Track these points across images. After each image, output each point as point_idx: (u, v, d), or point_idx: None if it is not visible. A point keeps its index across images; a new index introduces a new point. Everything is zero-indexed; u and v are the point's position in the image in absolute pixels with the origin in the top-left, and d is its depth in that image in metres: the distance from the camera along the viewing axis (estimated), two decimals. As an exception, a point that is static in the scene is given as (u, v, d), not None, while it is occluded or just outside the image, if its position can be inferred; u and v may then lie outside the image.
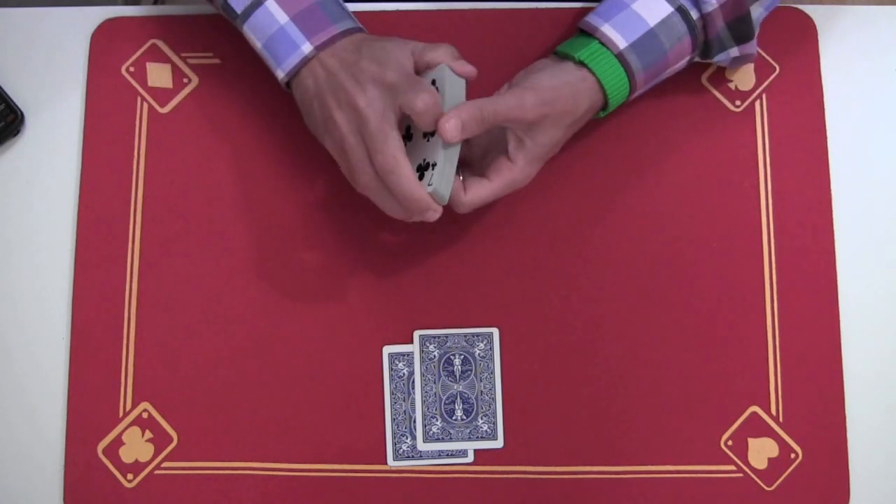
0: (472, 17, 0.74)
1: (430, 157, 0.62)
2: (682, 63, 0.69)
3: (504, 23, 0.74)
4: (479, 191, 0.64)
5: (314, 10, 0.64)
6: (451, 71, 0.63)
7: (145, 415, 0.70)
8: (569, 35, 0.72)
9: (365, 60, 0.62)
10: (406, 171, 0.60)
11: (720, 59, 0.69)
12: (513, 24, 0.74)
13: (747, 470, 0.69)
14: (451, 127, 0.60)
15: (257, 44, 0.66)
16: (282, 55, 0.65)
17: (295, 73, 0.65)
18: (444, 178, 0.61)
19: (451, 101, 0.62)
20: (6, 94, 0.73)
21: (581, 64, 0.65)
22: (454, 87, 0.63)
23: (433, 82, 0.63)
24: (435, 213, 0.62)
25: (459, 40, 0.74)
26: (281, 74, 0.65)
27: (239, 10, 0.65)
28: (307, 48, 0.64)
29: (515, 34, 0.74)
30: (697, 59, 0.69)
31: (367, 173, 0.62)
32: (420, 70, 0.65)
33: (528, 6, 0.75)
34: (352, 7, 0.74)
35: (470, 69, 0.64)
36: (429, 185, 0.61)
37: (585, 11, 0.74)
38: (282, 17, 0.64)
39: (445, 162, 0.61)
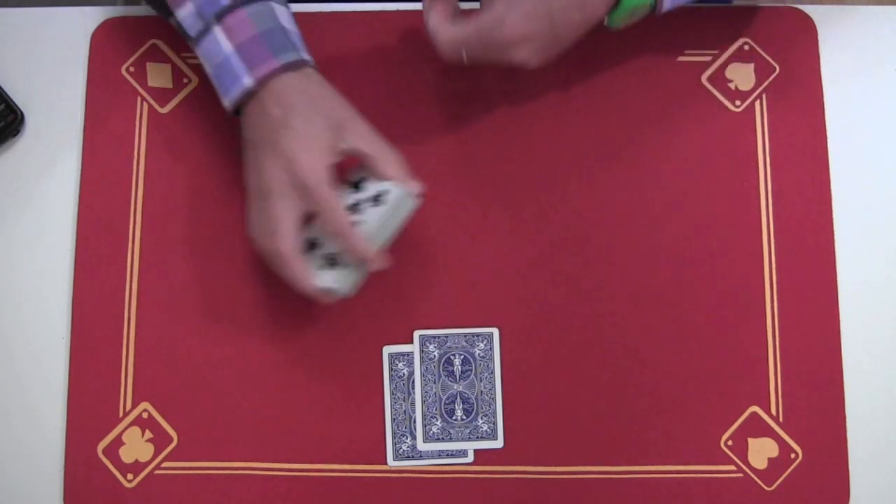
0: (472, 17, 0.74)
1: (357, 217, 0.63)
2: None
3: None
4: (456, 29, 0.63)
5: (257, 41, 0.63)
6: (405, 194, 0.63)
7: (145, 415, 0.70)
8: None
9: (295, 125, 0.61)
10: (303, 272, 0.62)
11: None
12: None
13: (747, 470, 0.69)
14: (378, 261, 0.62)
15: (208, 70, 0.65)
16: (227, 85, 0.64)
17: (240, 106, 0.64)
18: (347, 279, 0.63)
19: (390, 223, 0.63)
20: (6, 94, 0.73)
21: None
22: (400, 211, 0.63)
23: (376, 197, 0.63)
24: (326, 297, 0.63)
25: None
26: (227, 103, 0.65)
27: (192, 33, 0.65)
28: (248, 81, 0.63)
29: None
30: None
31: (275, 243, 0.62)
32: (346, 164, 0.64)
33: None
34: (353, 7, 0.75)
35: (419, 190, 0.64)
36: (335, 283, 0.63)
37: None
38: (227, 47, 0.63)
39: (356, 270, 0.63)
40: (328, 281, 0.63)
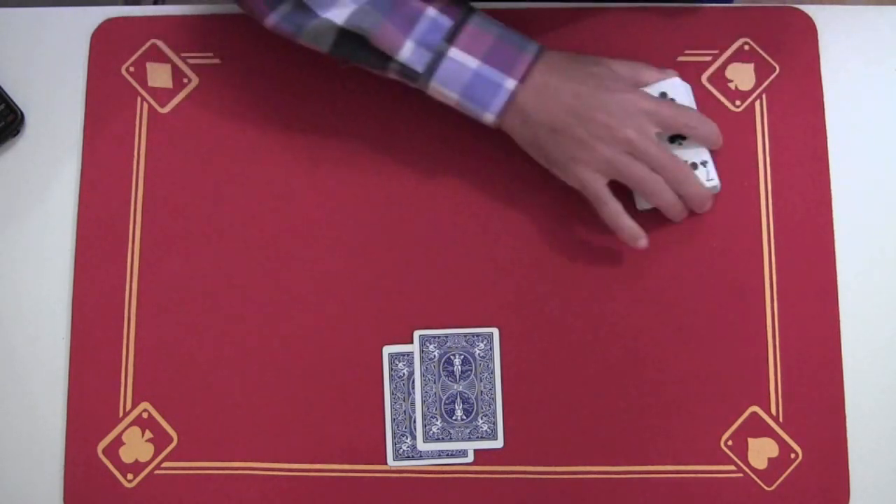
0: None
1: (692, 158, 0.68)
2: None
3: (504, 23, 0.74)
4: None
5: (500, 46, 0.64)
6: (679, 80, 0.69)
7: (145, 415, 0.70)
8: (568, 35, 0.72)
9: (602, 90, 0.65)
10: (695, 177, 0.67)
11: None
12: (512, 24, 0.74)
13: (747, 470, 0.69)
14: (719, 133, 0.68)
15: (453, 96, 0.65)
16: (486, 99, 0.64)
17: (505, 112, 0.65)
18: (715, 171, 0.69)
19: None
20: (6, 94, 0.73)
21: None
22: (685, 97, 0.69)
23: (663, 94, 0.68)
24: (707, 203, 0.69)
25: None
26: (490, 118, 0.65)
27: (420, 68, 0.64)
28: (511, 84, 0.64)
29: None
30: None
31: (665, 188, 0.66)
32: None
33: (529, 6, 0.75)
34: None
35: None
36: (708, 180, 0.68)
37: (585, 11, 0.74)
38: (472, 63, 0.64)
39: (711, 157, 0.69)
40: (713, 179, 0.69)
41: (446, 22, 0.64)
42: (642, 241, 0.67)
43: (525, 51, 0.65)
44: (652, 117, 0.65)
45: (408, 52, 0.64)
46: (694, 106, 0.71)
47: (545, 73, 0.65)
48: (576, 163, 0.65)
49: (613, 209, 0.66)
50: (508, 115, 0.65)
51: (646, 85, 0.68)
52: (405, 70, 0.64)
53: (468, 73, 0.64)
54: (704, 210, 0.69)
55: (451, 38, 0.64)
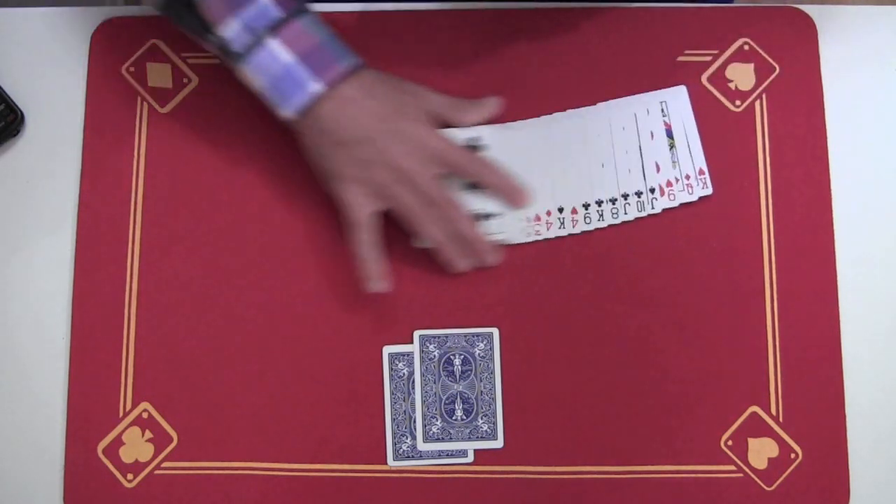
0: (472, 17, 0.74)
1: (486, 207, 0.69)
2: None
3: (504, 23, 0.74)
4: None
5: (319, 49, 0.65)
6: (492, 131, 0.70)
7: (145, 415, 0.70)
8: (568, 35, 0.72)
9: (398, 116, 0.66)
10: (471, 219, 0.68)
11: None
12: (513, 24, 0.74)
13: (747, 470, 0.69)
14: (526, 197, 0.70)
15: (260, 82, 0.65)
16: (289, 94, 0.65)
17: (304, 114, 0.65)
18: (510, 225, 0.70)
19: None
20: (6, 94, 0.73)
21: None
22: (682, 103, 0.71)
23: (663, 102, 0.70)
24: (496, 257, 0.69)
25: (458, 40, 0.74)
26: (288, 112, 0.65)
27: (238, 48, 0.65)
28: (317, 87, 0.64)
29: (515, 34, 0.74)
30: None
31: (434, 224, 0.67)
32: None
33: (529, 6, 0.75)
34: (353, 7, 0.75)
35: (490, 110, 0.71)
36: (499, 232, 0.70)
37: (585, 11, 0.74)
38: (286, 57, 0.64)
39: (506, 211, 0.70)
40: (505, 231, 0.70)
41: (276, 13, 0.64)
42: (376, 284, 0.68)
43: (341, 62, 0.65)
44: (438, 156, 0.67)
45: (230, 30, 0.64)
46: (690, 113, 0.71)
47: (354, 87, 0.65)
48: (350, 181, 0.67)
49: (364, 239, 0.67)
50: (304, 118, 0.66)
51: (459, 124, 0.69)
52: (223, 45, 0.65)
53: (280, 67, 0.64)
54: (487, 263, 0.69)
55: (275, 28, 0.64)
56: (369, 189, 0.66)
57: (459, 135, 0.70)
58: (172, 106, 0.74)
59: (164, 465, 0.69)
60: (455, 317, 0.70)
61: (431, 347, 0.70)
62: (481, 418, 0.69)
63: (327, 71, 0.65)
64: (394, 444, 0.69)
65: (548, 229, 0.71)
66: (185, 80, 0.74)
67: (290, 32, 0.64)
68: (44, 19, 0.75)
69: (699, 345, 0.70)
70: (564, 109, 0.72)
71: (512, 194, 0.69)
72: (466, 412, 0.69)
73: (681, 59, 0.74)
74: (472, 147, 0.70)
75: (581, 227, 0.71)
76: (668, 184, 0.71)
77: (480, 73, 0.73)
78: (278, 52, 0.64)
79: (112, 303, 0.71)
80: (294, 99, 0.65)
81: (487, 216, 0.69)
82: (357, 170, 0.66)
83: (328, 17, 0.73)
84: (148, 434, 0.70)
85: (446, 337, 0.70)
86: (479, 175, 0.68)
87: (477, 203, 0.69)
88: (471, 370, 0.70)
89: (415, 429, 0.69)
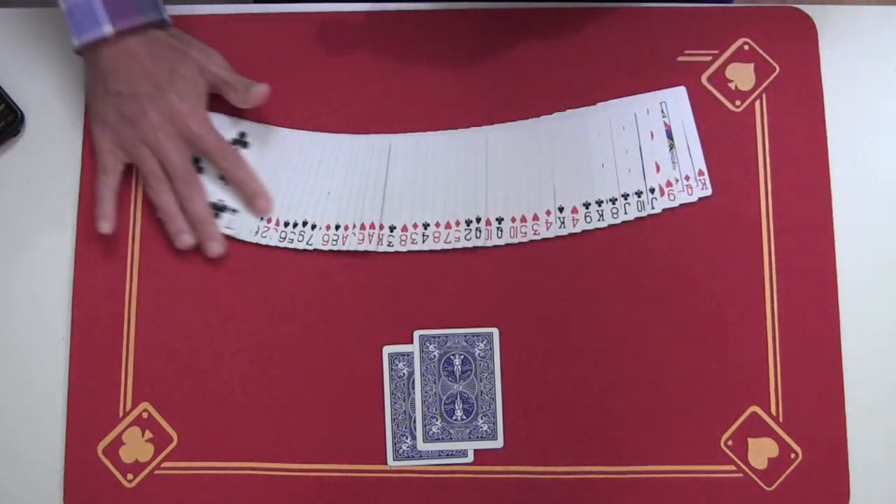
0: (473, 17, 0.74)
1: (225, 200, 0.71)
2: None
3: (503, 23, 0.74)
4: None
5: None
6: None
7: (145, 415, 0.70)
8: (568, 35, 0.72)
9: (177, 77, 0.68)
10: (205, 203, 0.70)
11: None
12: (513, 24, 0.74)
13: (747, 470, 0.69)
14: (266, 206, 0.71)
15: (62, 6, 0.67)
16: (81, 28, 0.66)
17: (89, 49, 0.67)
18: (242, 223, 0.71)
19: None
20: (6, 94, 0.73)
21: None
22: (682, 103, 0.71)
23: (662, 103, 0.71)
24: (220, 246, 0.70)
25: (459, 40, 0.74)
26: (74, 42, 0.67)
27: None
28: (108, 30, 0.66)
29: (516, 34, 0.74)
30: None
31: (166, 191, 0.70)
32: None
33: (529, 6, 0.75)
34: (353, 7, 0.75)
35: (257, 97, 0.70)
36: (228, 228, 0.71)
37: (585, 11, 0.74)
38: None
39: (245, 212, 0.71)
40: (234, 228, 0.71)
41: None
42: (103, 224, 0.69)
43: (142, 13, 0.67)
44: (192, 138, 0.69)
45: None
46: (690, 113, 0.71)
47: (141, 43, 0.67)
48: (105, 128, 0.69)
49: (103, 180, 0.70)
50: (91, 54, 0.68)
51: (231, 101, 0.71)
52: None
53: None
54: (209, 251, 0.70)
55: None
56: (119, 142, 0.69)
57: (228, 128, 0.72)
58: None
59: (164, 465, 0.69)
60: (455, 317, 0.70)
61: (431, 347, 0.70)
62: (481, 418, 0.69)
63: (123, 19, 0.66)
64: (394, 444, 0.69)
65: (548, 229, 0.71)
66: (185, 80, 0.74)
67: None
68: (44, 19, 0.75)
69: (699, 345, 0.70)
70: (564, 109, 0.73)
71: (253, 198, 0.71)
72: (466, 412, 0.69)
73: (681, 59, 0.74)
74: (238, 141, 0.72)
75: (581, 227, 0.71)
76: (668, 184, 0.71)
77: (481, 73, 0.73)
78: None
79: (112, 303, 0.71)
80: (84, 33, 0.67)
81: (224, 208, 0.71)
82: (115, 120, 0.69)
83: (334, 18, 0.74)
84: (148, 434, 0.69)
85: (446, 337, 0.70)
86: (227, 169, 0.70)
87: (217, 193, 0.71)
88: (471, 370, 0.70)
89: (415, 429, 0.69)
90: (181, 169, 0.69)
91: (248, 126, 0.72)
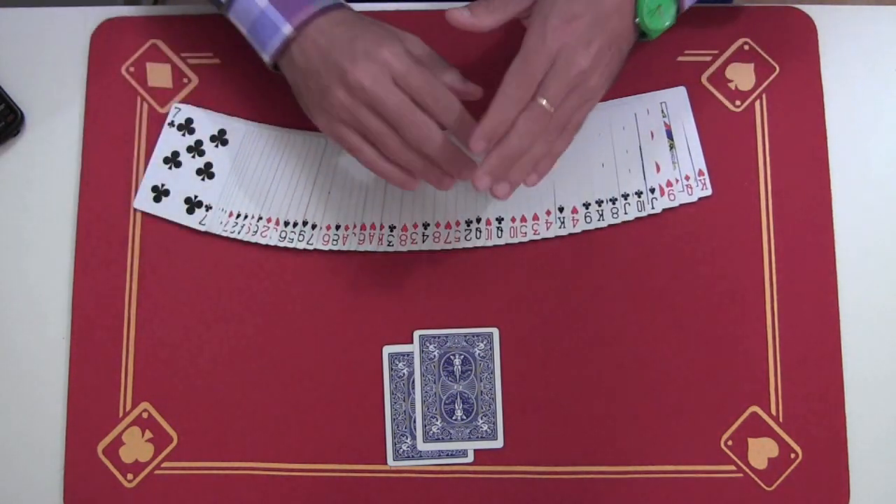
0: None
1: (200, 196, 0.70)
2: None
3: (504, 23, 0.74)
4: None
5: None
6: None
7: (145, 415, 0.70)
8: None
9: (360, 40, 0.62)
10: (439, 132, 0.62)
11: None
12: (512, 24, 0.74)
13: (747, 470, 0.69)
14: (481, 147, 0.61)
15: (243, 30, 0.66)
16: (265, 38, 0.65)
17: (281, 55, 0.65)
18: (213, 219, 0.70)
19: None
20: (6, 94, 0.73)
21: None
22: (682, 102, 0.71)
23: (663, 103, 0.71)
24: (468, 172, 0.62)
25: (459, 40, 0.74)
26: (266, 58, 0.65)
27: None
28: (287, 29, 0.63)
29: (515, 35, 0.74)
30: None
31: (395, 141, 0.62)
32: None
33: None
34: (352, 7, 0.75)
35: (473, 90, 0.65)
36: (201, 224, 0.69)
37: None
38: (261, 1, 0.64)
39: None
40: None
41: None
42: (412, 183, 0.64)
43: (313, 3, 0.64)
44: (394, 72, 0.61)
45: None
46: (690, 113, 0.72)
47: (326, 25, 0.63)
48: (321, 112, 0.64)
49: (369, 156, 0.63)
50: (283, 59, 0.65)
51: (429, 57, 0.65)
52: None
53: (256, 11, 0.64)
54: (479, 185, 0.61)
55: None
56: (339, 114, 0.63)
57: (209, 126, 0.72)
58: (172, 106, 0.74)
59: (164, 465, 0.69)
60: (455, 317, 0.70)
61: (431, 347, 0.70)
62: (481, 418, 0.69)
63: (297, 12, 0.64)
64: (394, 444, 0.69)
65: (548, 229, 0.71)
66: (185, 80, 0.74)
67: None
68: (44, 19, 0.75)
69: (699, 345, 0.70)
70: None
71: (451, 117, 0.62)
72: (466, 412, 0.69)
73: (681, 59, 0.74)
74: (219, 138, 0.72)
75: (581, 227, 0.71)
76: (668, 184, 0.71)
77: (481, 74, 0.73)
78: None
79: (112, 303, 0.71)
80: (270, 43, 0.64)
81: (199, 204, 0.70)
82: (322, 98, 0.63)
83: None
84: (148, 434, 0.70)
85: (446, 337, 0.70)
86: (430, 100, 0.62)
87: (193, 188, 0.70)
88: (471, 370, 0.70)
89: (415, 429, 0.69)
90: (398, 106, 0.61)
91: (247, 126, 0.72)
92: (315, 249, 0.71)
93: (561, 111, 0.61)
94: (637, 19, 0.63)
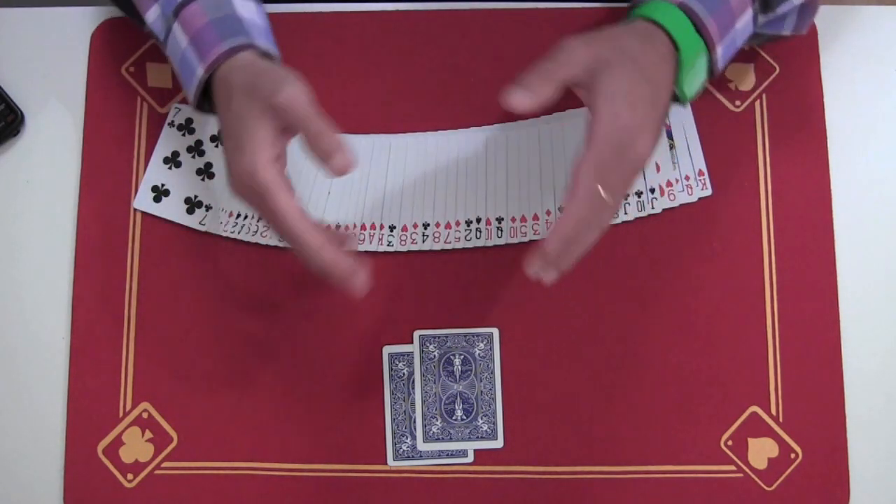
0: (471, 17, 0.74)
1: (200, 196, 0.69)
2: (748, 16, 0.61)
3: (504, 23, 0.74)
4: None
5: (207, 29, 0.60)
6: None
7: (145, 415, 0.70)
8: (569, 34, 0.72)
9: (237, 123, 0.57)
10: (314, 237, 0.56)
11: (784, 8, 0.63)
12: (513, 24, 0.74)
13: (747, 470, 0.69)
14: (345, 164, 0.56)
15: (175, 69, 0.63)
16: (186, 80, 0.62)
17: (201, 99, 0.62)
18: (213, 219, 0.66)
19: None
20: (6, 94, 0.73)
21: (639, 18, 0.60)
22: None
23: None
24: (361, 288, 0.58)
25: (459, 41, 0.74)
26: (191, 100, 0.62)
27: (161, 37, 0.63)
28: (199, 72, 0.60)
29: (515, 34, 0.74)
30: (761, 14, 0.63)
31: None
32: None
33: (529, 6, 0.75)
34: (352, 7, 0.75)
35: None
36: (201, 224, 0.67)
37: (586, 11, 0.74)
38: (183, 41, 0.61)
39: None
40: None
41: None
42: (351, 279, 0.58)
43: (224, 41, 0.60)
44: (257, 188, 0.56)
45: (152, 16, 0.63)
46: (690, 114, 0.71)
47: (223, 84, 0.59)
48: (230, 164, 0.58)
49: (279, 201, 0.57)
50: (207, 104, 0.62)
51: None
52: (153, 35, 0.64)
53: (180, 52, 0.61)
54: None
55: (177, 12, 0.61)
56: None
57: (209, 126, 0.71)
58: (172, 106, 0.74)
59: (164, 465, 0.69)
60: (455, 317, 0.70)
61: (431, 347, 0.70)
62: (481, 418, 0.69)
63: (207, 54, 0.60)
64: (394, 444, 0.69)
65: (548, 229, 0.71)
66: (185, 80, 0.74)
67: (188, 14, 0.61)
68: (44, 19, 0.75)
69: (699, 345, 0.70)
70: (564, 109, 0.72)
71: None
72: (466, 412, 0.69)
73: (681, 59, 0.74)
74: (219, 138, 0.70)
75: (581, 227, 0.71)
76: (668, 184, 0.71)
77: (481, 74, 0.73)
78: (179, 36, 0.61)
79: (112, 303, 0.71)
80: (190, 85, 0.61)
81: (199, 204, 0.70)
82: (229, 153, 0.58)
83: (334, 18, 0.73)
84: (148, 434, 0.70)
85: (446, 337, 0.70)
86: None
87: (193, 188, 0.70)
88: (471, 370, 0.70)
89: (415, 429, 0.69)
90: (267, 213, 0.57)
91: None
92: None
93: (617, 199, 0.57)
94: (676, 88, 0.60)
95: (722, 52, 0.62)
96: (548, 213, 0.71)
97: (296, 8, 0.75)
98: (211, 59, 0.60)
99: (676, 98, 0.61)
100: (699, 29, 0.60)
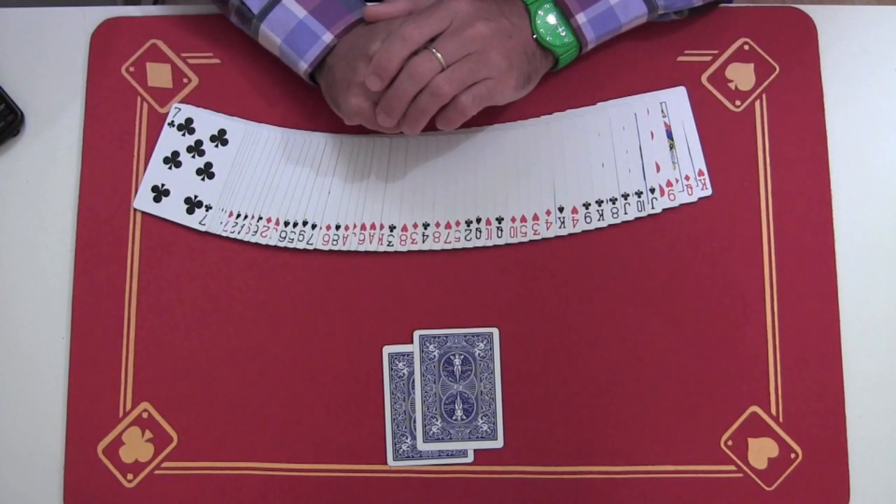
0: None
1: (200, 196, 0.70)
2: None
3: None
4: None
5: (331, 2, 0.67)
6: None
7: (145, 415, 0.70)
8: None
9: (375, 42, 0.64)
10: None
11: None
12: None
13: (747, 470, 0.69)
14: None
15: (276, 40, 0.68)
16: (304, 48, 0.67)
17: (319, 63, 0.67)
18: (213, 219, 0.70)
19: None
20: (6, 94, 0.73)
21: None
22: (683, 103, 0.72)
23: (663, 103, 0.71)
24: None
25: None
26: (304, 66, 0.67)
27: (257, 10, 0.68)
28: (328, 38, 0.67)
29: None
30: None
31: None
32: None
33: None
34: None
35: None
36: (201, 224, 0.70)
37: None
38: (300, 12, 0.67)
39: None
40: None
41: None
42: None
43: (352, 11, 0.68)
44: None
45: None
46: (690, 113, 0.72)
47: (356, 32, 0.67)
48: (346, 93, 0.65)
49: (373, 113, 0.65)
50: (321, 68, 0.68)
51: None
52: (242, 8, 0.69)
53: (294, 21, 0.67)
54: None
55: None
56: (353, 91, 0.65)
57: (209, 126, 0.72)
58: (172, 106, 0.74)
59: (164, 465, 0.69)
60: (455, 317, 0.70)
61: (431, 347, 0.70)
62: (481, 418, 0.69)
63: (337, 21, 0.67)
64: (394, 444, 0.69)
65: (548, 229, 0.71)
66: (185, 80, 0.74)
67: None
68: (44, 19, 0.75)
69: (699, 345, 0.70)
70: (564, 109, 0.73)
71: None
72: (466, 412, 0.69)
73: (681, 59, 0.74)
74: (219, 138, 0.72)
75: (581, 227, 0.71)
76: (668, 184, 0.71)
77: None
78: (293, 7, 0.67)
79: (112, 303, 0.71)
80: (309, 51, 0.67)
81: (199, 204, 0.71)
82: (350, 75, 0.65)
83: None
84: (148, 434, 0.70)
85: (446, 337, 0.70)
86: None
87: (193, 188, 0.71)
88: (471, 370, 0.70)
89: (415, 429, 0.69)
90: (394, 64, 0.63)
91: (247, 126, 0.72)
92: (315, 249, 0.71)
93: (456, 71, 0.62)
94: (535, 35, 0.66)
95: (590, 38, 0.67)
96: (548, 213, 0.71)
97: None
98: (343, 27, 0.67)
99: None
100: None
